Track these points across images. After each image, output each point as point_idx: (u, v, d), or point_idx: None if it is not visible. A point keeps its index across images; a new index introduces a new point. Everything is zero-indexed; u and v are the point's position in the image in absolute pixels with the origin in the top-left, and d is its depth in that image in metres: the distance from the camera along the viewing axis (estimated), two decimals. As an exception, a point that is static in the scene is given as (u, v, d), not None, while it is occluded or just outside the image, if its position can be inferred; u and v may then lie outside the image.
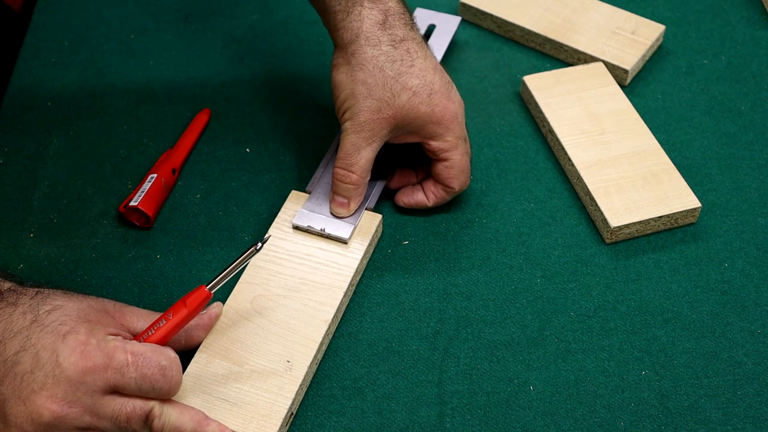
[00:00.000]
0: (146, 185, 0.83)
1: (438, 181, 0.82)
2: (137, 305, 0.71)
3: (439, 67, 0.80)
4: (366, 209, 0.81)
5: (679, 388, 0.72)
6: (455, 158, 0.80)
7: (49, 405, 0.60)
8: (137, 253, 0.81)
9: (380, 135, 0.78)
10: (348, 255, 0.78)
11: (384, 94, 0.77)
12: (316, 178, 0.84)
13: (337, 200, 0.80)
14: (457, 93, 0.81)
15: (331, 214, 0.80)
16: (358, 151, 0.78)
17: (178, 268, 0.80)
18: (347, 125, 0.78)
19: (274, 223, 0.80)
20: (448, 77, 0.81)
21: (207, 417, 0.66)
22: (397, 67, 0.77)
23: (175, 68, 0.98)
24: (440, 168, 0.81)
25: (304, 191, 0.83)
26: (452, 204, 0.85)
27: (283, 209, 0.81)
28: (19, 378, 0.60)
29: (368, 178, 0.80)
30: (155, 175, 0.84)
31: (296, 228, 0.80)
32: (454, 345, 0.75)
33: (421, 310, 0.77)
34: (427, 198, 0.83)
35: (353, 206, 0.80)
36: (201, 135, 0.91)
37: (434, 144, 0.79)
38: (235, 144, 0.90)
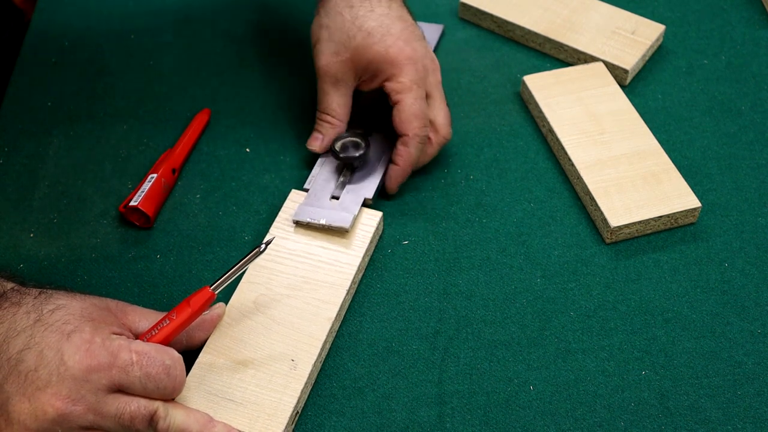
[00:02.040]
0: (146, 185, 0.83)
1: (395, 129, 0.82)
2: (138, 305, 0.70)
3: (410, 21, 0.82)
4: (365, 205, 0.81)
5: (679, 388, 0.72)
6: (407, 101, 0.80)
7: (53, 402, 0.60)
8: (137, 253, 0.81)
9: (344, 78, 0.81)
10: (349, 253, 0.78)
11: (341, 36, 0.80)
12: (313, 176, 0.84)
13: (313, 135, 0.84)
14: (425, 46, 0.82)
15: (307, 147, 0.84)
16: (327, 95, 0.82)
17: (178, 268, 0.80)
18: (316, 70, 0.82)
19: (275, 223, 0.80)
20: (420, 33, 0.83)
21: (212, 419, 0.66)
22: (355, 12, 0.80)
23: (175, 68, 0.98)
24: (394, 113, 0.81)
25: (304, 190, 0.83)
26: (452, 204, 0.85)
27: (283, 208, 0.81)
28: (23, 376, 0.60)
29: (345, 120, 0.83)
30: (155, 175, 0.84)
31: (297, 223, 0.80)
32: (454, 345, 0.75)
33: (421, 310, 0.77)
34: (395, 162, 0.82)
35: (326, 143, 0.83)
36: (201, 135, 0.91)
37: (388, 85, 0.81)
38: (235, 144, 0.90)
